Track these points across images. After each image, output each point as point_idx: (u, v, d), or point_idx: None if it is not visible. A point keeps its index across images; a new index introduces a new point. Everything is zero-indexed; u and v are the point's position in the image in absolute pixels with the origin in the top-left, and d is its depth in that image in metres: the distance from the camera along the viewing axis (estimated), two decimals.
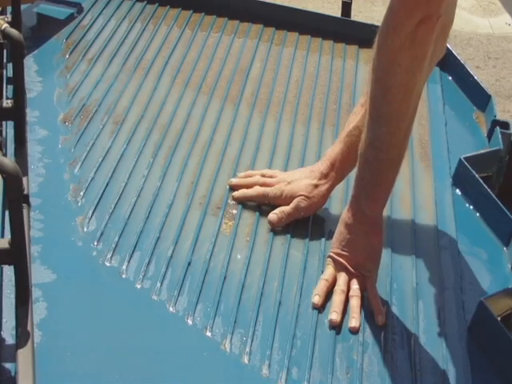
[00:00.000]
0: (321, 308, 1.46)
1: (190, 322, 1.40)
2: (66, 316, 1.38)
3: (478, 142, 2.01)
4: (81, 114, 1.88)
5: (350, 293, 1.48)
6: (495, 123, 1.97)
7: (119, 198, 1.64)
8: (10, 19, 1.89)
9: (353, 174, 1.60)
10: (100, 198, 1.63)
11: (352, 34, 2.36)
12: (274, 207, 1.66)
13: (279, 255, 1.56)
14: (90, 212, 1.59)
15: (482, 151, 1.90)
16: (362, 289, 1.49)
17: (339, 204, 1.70)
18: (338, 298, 1.47)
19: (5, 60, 1.94)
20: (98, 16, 2.30)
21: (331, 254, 1.53)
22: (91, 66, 2.08)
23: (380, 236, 1.52)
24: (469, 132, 2.07)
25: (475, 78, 2.17)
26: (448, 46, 2.24)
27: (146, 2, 2.39)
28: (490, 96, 2.10)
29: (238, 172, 1.76)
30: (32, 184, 1.63)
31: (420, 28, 1.38)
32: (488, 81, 4.09)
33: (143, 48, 2.18)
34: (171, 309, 1.42)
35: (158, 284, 1.45)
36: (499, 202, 1.70)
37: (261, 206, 1.68)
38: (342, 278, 1.50)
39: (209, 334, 1.38)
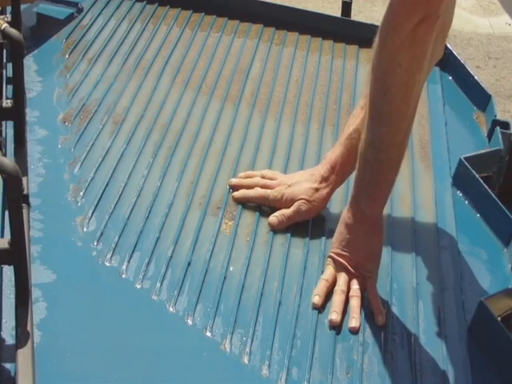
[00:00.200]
0: (321, 308, 1.46)
1: (189, 322, 1.40)
2: (65, 316, 1.38)
3: (478, 141, 2.01)
4: (80, 114, 1.88)
5: (350, 293, 1.48)
6: (495, 123, 1.97)
7: (119, 198, 1.64)
8: (9, 19, 1.89)
9: (353, 175, 1.60)
10: (100, 198, 1.63)
11: (352, 33, 2.36)
12: (273, 208, 1.66)
13: (279, 255, 1.56)
14: (90, 212, 1.59)
15: (482, 151, 1.90)
16: (362, 289, 1.49)
17: (339, 204, 1.70)
18: (338, 298, 1.47)
19: (4, 60, 1.94)
20: (97, 16, 2.30)
21: (331, 254, 1.53)
22: (91, 65, 2.07)
23: (380, 236, 1.52)
24: (469, 132, 2.07)
25: (475, 77, 2.17)
26: (448, 45, 2.25)
27: (145, 2, 2.39)
28: (490, 96, 2.10)
29: (237, 172, 1.76)
30: (32, 184, 1.63)
31: (420, 28, 1.38)
32: (488, 81, 4.08)
33: (143, 48, 2.18)
34: (171, 309, 1.42)
35: (158, 284, 1.45)
36: (499, 202, 1.70)
37: (261, 206, 1.68)
38: (342, 278, 1.50)
39: (209, 334, 1.38)
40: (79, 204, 1.62)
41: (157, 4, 2.38)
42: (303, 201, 1.64)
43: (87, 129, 1.83)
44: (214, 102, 2.00)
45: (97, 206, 1.61)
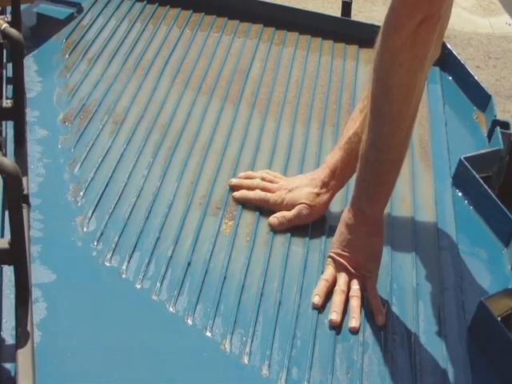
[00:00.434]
0: (321, 308, 1.46)
1: (189, 322, 1.40)
2: (65, 316, 1.38)
3: (478, 141, 2.01)
4: (81, 114, 1.88)
5: (350, 293, 1.48)
6: (495, 123, 1.97)
7: (119, 198, 1.64)
8: (9, 19, 1.89)
9: (353, 177, 1.60)
10: (100, 198, 1.63)
11: (352, 33, 2.36)
12: (273, 210, 1.66)
13: (279, 255, 1.56)
14: (90, 212, 1.59)
15: (483, 151, 1.90)
16: (362, 289, 1.49)
17: (339, 204, 1.70)
18: (338, 298, 1.47)
19: (5, 60, 1.94)
20: (97, 16, 2.30)
21: (331, 254, 1.53)
22: (91, 65, 2.07)
23: (381, 237, 1.52)
24: (469, 132, 2.07)
25: (475, 77, 2.17)
26: (448, 45, 2.25)
27: (145, 2, 2.39)
28: (490, 96, 2.10)
29: (237, 172, 1.76)
30: (32, 184, 1.63)
31: (421, 28, 1.38)
32: (488, 81, 4.08)
33: (143, 48, 2.18)
34: (171, 309, 1.42)
35: (158, 284, 1.45)
36: (499, 202, 1.70)
37: (261, 207, 1.68)
38: (343, 278, 1.50)
39: (209, 334, 1.38)
40: (79, 204, 1.62)
41: (157, 4, 2.38)
42: (304, 205, 1.64)
43: (87, 129, 1.83)
44: (214, 102, 2.00)
45: (97, 206, 1.61)
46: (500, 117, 2.05)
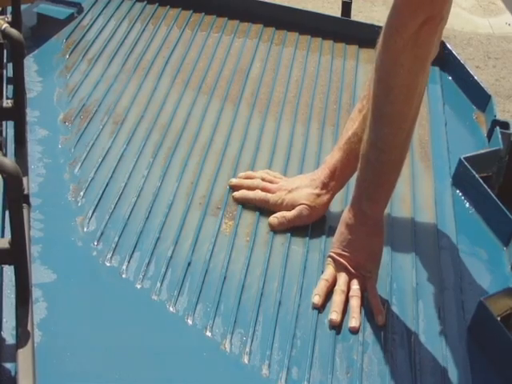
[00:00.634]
0: (321, 308, 1.46)
1: (189, 321, 1.40)
2: (66, 316, 1.38)
3: (477, 141, 2.01)
4: (81, 114, 1.88)
5: (350, 293, 1.48)
6: (495, 123, 1.98)
7: (119, 198, 1.64)
8: (10, 19, 1.89)
9: (353, 178, 1.60)
10: (100, 198, 1.63)
11: (352, 33, 2.36)
12: (273, 211, 1.66)
13: (279, 255, 1.56)
14: (90, 212, 1.59)
15: (482, 151, 1.90)
16: (362, 289, 1.49)
17: (339, 204, 1.70)
18: (338, 298, 1.47)
19: (5, 60, 1.94)
20: (97, 16, 2.30)
21: (331, 254, 1.53)
22: (91, 66, 2.07)
23: (381, 237, 1.53)
24: (469, 132, 2.07)
25: (475, 77, 2.17)
26: (448, 45, 2.25)
27: (145, 2, 2.39)
28: (489, 96, 2.11)
29: (238, 172, 1.76)
30: (32, 184, 1.63)
31: (423, 29, 1.39)
32: (488, 81, 4.09)
33: (143, 48, 2.18)
34: (171, 309, 1.42)
35: (158, 284, 1.45)
36: (499, 202, 1.70)
37: (261, 207, 1.68)
38: (342, 278, 1.50)
39: (209, 333, 1.38)
40: (79, 204, 1.62)
41: (157, 4, 2.38)
42: (305, 206, 1.64)
43: (87, 129, 1.84)
44: (214, 102, 2.00)
45: (97, 206, 1.61)
46: (500, 117, 2.05)
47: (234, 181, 1.72)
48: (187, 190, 1.70)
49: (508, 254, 1.65)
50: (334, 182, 1.66)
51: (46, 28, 2.22)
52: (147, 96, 1.98)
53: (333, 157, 1.67)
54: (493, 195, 1.72)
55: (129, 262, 1.50)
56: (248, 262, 1.53)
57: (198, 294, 1.44)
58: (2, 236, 1.43)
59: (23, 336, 1.23)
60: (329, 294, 1.49)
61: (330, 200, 1.66)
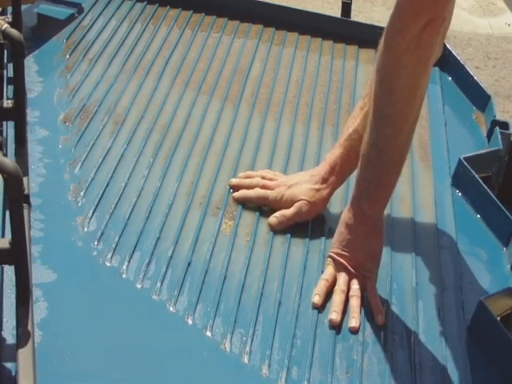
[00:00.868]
0: (321, 308, 1.46)
1: (190, 321, 1.40)
2: (66, 316, 1.38)
3: (477, 142, 2.01)
4: (81, 114, 1.89)
5: (350, 293, 1.49)
6: (495, 123, 1.98)
7: (119, 198, 1.64)
8: (10, 19, 1.89)
9: (353, 175, 1.60)
10: (100, 198, 1.63)
11: (352, 34, 2.36)
12: (273, 209, 1.66)
13: (279, 255, 1.56)
14: (91, 212, 1.60)
15: (482, 151, 1.90)
16: (362, 289, 1.49)
17: (339, 204, 1.70)
18: (337, 298, 1.47)
19: (5, 60, 1.94)
20: (98, 16, 2.30)
21: (331, 253, 1.53)
22: (91, 66, 2.08)
23: (380, 237, 1.53)
24: (468, 132, 2.08)
25: (475, 78, 2.17)
26: (448, 46, 2.25)
27: (146, 3, 2.39)
28: (489, 96, 2.11)
29: (238, 172, 1.76)
30: (32, 184, 1.63)
31: (425, 30, 1.39)
32: (487, 81, 4.09)
33: (143, 48, 2.18)
34: (171, 309, 1.42)
35: (158, 284, 1.45)
36: (499, 202, 1.70)
37: (261, 206, 1.68)
38: (342, 277, 1.50)
39: (209, 333, 1.38)
40: (80, 204, 1.62)
41: (157, 4, 2.39)
42: (304, 202, 1.64)
43: (88, 129, 1.84)
44: (214, 102, 2.01)
45: (97, 206, 1.61)
46: (499, 117, 2.05)
47: (234, 181, 1.72)
48: (187, 190, 1.70)
49: (508, 254, 1.65)
50: (333, 178, 1.66)
51: (46, 28, 2.22)
52: (147, 96, 1.99)
53: (333, 153, 1.68)
54: (492, 195, 1.73)
55: (129, 261, 1.50)
56: (248, 261, 1.53)
57: (198, 293, 1.45)
58: (3, 236, 1.43)
59: (23, 336, 1.23)
60: (329, 294, 1.49)
61: (329, 195, 1.66)
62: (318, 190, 1.65)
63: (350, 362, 1.37)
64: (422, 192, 1.79)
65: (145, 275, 1.47)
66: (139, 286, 1.45)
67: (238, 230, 1.61)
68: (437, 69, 2.25)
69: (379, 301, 1.47)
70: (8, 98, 1.77)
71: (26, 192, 1.51)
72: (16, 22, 1.86)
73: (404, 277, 1.56)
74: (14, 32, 1.60)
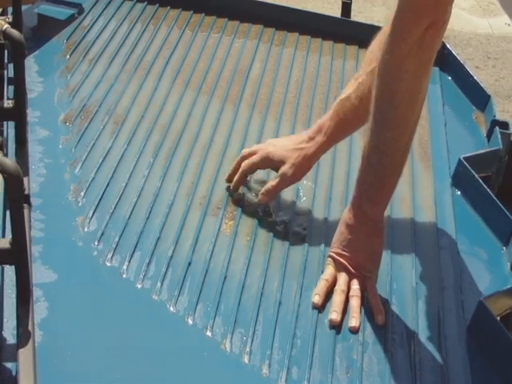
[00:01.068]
0: (321, 308, 1.46)
1: (190, 321, 1.40)
2: (66, 316, 1.38)
3: (477, 142, 2.01)
4: (81, 115, 1.89)
5: (350, 293, 1.49)
6: (494, 123, 1.98)
7: (120, 198, 1.64)
8: (10, 20, 1.89)
9: (353, 175, 1.61)
10: (100, 198, 1.63)
11: (352, 34, 2.36)
12: (270, 211, 1.66)
13: (279, 255, 1.57)
14: (91, 212, 1.60)
15: (482, 151, 1.90)
16: (362, 289, 1.49)
17: (339, 204, 1.70)
18: (338, 298, 1.47)
19: (6, 60, 1.94)
20: (98, 17, 2.30)
21: (331, 253, 1.53)
22: (92, 66, 2.08)
23: (381, 237, 1.53)
24: (468, 132, 2.08)
25: (475, 78, 2.17)
26: (447, 46, 2.25)
27: (146, 3, 2.39)
28: (489, 96, 2.11)
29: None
30: (33, 184, 1.63)
31: (427, 34, 1.39)
32: (487, 81, 4.09)
33: (143, 48, 2.18)
34: (171, 309, 1.42)
35: (159, 284, 1.46)
36: (498, 202, 1.71)
37: (261, 206, 1.68)
38: (342, 278, 1.51)
39: (209, 333, 1.38)
40: (80, 204, 1.62)
41: (157, 5, 2.39)
42: (287, 166, 1.63)
43: (88, 129, 1.84)
44: (214, 102, 2.01)
45: (97, 206, 1.62)
46: (499, 117, 2.05)
47: (226, 177, 1.72)
48: (187, 190, 1.70)
49: (507, 253, 1.65)
50: (320, 137, 1.65)
51: (46, 28, 2.23)
52: (148, 96, 1.99)
53: (323, 117, 1.68)
54: (492, 195, 1.73)
55: (129, 261, 1.50)
56: (248, 261, 1.53)
57: (198, 293, 1.45)
58: (3, 236, 1.43)
59: (24, 336, 1.23)
60: (329, 294, 1.49)
61: (315, 154, 1.65)
62: (302, 149, 1.64)
63: (350, 362, 1.37)
64: (421, 192, 1.80)
65: (145, 275, 1.47)
66: (139, 286, 1.46)
67: (238, 230, 1.61)
68: (437, 69, 2.25)
69: (379, 301, 1.48)
70: (8, 98, 1.77)
71: (26, 192, 1.51)
72: (16, 23, 1.86)
73: (404, 277, 1.56)
74: (14, 32, 1.60)
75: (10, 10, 2.00)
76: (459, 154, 1.85)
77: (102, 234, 1.55)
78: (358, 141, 1.81)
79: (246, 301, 1.45)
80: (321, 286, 1.49)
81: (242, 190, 1.71)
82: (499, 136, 1.92)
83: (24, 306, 1.28)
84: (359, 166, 1.53)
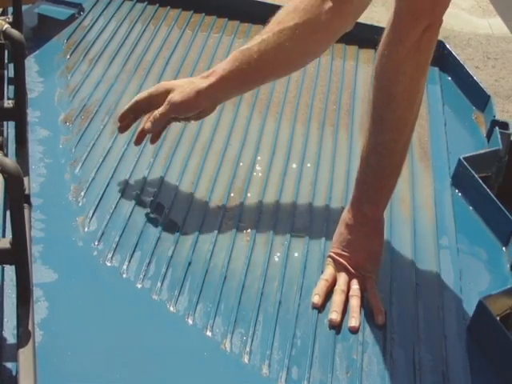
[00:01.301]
0: (321, 308, 1.46)
1: (190, 321, 1.40)
2: (66, 316, 1.38)
3: (477, 142, 2.01)
4: (81, 115, 1.89)
5: (350, 293, 1.49)
6: (494, 123, 1.98)
7: (120, 198, 1.64)
8: (11, 20, 1.89)
9: (353, 175, 1.61)
10: (101, 198, 1.63)
11: (352, 34, 2.34)
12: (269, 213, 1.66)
13: (279, 255, 1.57)
14: (91, 212, 1.60)
15: (482, 151, 1.90)
16: (362, 289, 1.49)
17: (339, 204, 1.70)
18: (337, 298, 1.47)
19: (6, 60, 1.94)
20: (98, 17, 2.30)
21: (331, 254, 1.53)
22: (92, 66, 2.08)
23: (381, 238, 1.53)
24: (468, 132, 2.08)
25: (474, 78, 2.17)
26: (447, 46, 2.25)
27: (146, 3, 2.39)
28: (489, 96, 2.11)
29: (238, 172, 1.76)
30: (33, 184, 1.63)
31: (425, 36, 1.39)
32: (487, 81, 4.09)
33: (144, 48, 2.18)
34: (171, 308, 1.42)
35: (159, 284, 1.46)
36: (498, 202, 1.71)
37: (261, 205, 1.68)
38: (342, 278, 1.51)
39: (209, 333, 1.38)
40: (80, 204, 1.62)
41: (157, 5, 2.39)
42: (176, 93, 1.62)
43: (88, 129, 1.84)
44: None
45: (98, 205, 1.62)
46: (499, 117, 2.05)
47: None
48: (188, 190, 1.70)
49: (507, 253, 1.65)
50: (214, 77, 1.63)
51: (46, 28, 2.22)
52: None
53: (222, 62, 1.67)
54: (492, 195, 1.73)
55: (129, 261, 1.50)
56: (248, 261, 1.54)
57: (198, 293, 1.45)
58: (3, 236, 1.43)
59: (24, 336, 1.23)
60: (329, 294, 1.49)
61: (206, 90, 1.62)
62: (193, 83, 1.64)
63: (350, 362, 1.37)
64: (421, 192, 1.80)
65: (145, 275, 1.47)
66: (139, 286, 1.46)
67: (237, 230, 1.61)
68: (436, 69, 2.25)
69: (379, 301, 1.48)
70: (9, 98, 1.77)
71: (26, 192, 1.51)
72: (17, 23, 1.86)
73: (404, 277, 1.56)
74: (14, 32, 1.60)
75: (10, 9, 2.00)
76: (459, 154, 1.85)
77: (103, 234, 1.55)
78: (358, 141, 1.81)
79: (246, 301, 1.45)
80: (321, 286, 1.49)
81: (241, 191, 1.72)
82: (499, 136, 1.92)
83: (24, 306, 1.28)
84: (358, 167, 1.53)
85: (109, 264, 1.49)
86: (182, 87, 1.64)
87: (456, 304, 1.51)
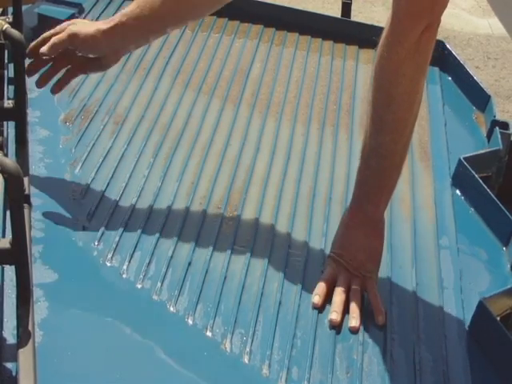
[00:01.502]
0: (321, 308, 1.46)
1: (190, 321, 1.40)
2: (66, 316, 1.38)
3: (477, 142, 2.01)
4: (81, 115, 1.89)
5: (350, 293, 1.49)
6: (495, 123, 1.98)
7: (120, 198, 1.64)
8: (11, 20, 1.89)
9: (353, 175, 1.61)
10: (101, 198, 1.63)
11: (352, 34, 2.36)
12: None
13: (279, 255, 1.57)
14: (91, 212, 1.60)
15: (482, 151, 1.90)
16: (362, 289, 1.49)
17: (339, 205, 1.70)
18: (338, 298, 1.47)
19: (6, 60, 1.94)
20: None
21: (331, 254, 1.53)
22: None
23: (381, 238, 1.53)
24: (468, 132, 2.08)
25: (475, 78, 2.18)
26: (447, 46, 2.26)
27: None
28: (489, 96, 2.11)
29: (238, 172, 1.77)
30: (33, 184, 1.63)
31: (423, 37, 1.39)
32: (487, 81, 4.09)
33: (144, 48, 2.18)
34: (171, 309, 1.42)
35: (159, 284, 1.46)
36: (498, 202, 1.71)
37: (262, 205, 1.68)
38: (342, 278, 1.50)
39: (209, 333, 1.38)
40: (80, 204, 1.62)
41: None
42: (78, 25, 1.62)
43: (88, 129, 1.84)
44: (214, 102, 2.01)
45: (98, 205, 1.62)
46: (499, 117, 2.05)
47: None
48: (188, 190, 1.70)
49: (507, 253, 1.65)
50: (117, 17, 1.62)
51: (47, 28, 2.21)
52: (148, 96, 1.99)
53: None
54: (492, 195, 1.73)
55: (129, 261, 1.50)
56: (248, 262, 1.53)
57: (198, 293, 1.45)
58: (3, 236, 1.43)
59: (24, 336, 1.22)
60: (329, 294, 1.49)
61: (106, 30, 1.60)
62: (96, 23, 1.63)
63: (350, 362, 1.37)
64: (421, 192, 1.80)
65: (145, 275, 1.47)
66: (139, 286, 1.46)
67: (238, 230, 1.61)
68: (437, 69, 2.25)
69: (379, 301, 1.48)
70: (9, 98, 1.77)
71: (26, 192, 1.51)
72: (17, 23, 1.85)
73: (404, 277, 1.56)
74: (14, 32, 1.60)
75: (10, 9, 2.00)
76: (459, 154, 1.85)
77: (102, 234, 1.55)
78: (358, 141, 1.81)
79: (246, 301, 1.45)
80: (321, 287, 1.49)
81: (241, 191, 1.72)
82: (499, 136, 1.92)
83: (24, 306, 1.27)
84: (358, 168, 1.53)
85: (109, 264, 1.49)
86: (85, 24, 1.63)
87: (456, 304, 1.51)
